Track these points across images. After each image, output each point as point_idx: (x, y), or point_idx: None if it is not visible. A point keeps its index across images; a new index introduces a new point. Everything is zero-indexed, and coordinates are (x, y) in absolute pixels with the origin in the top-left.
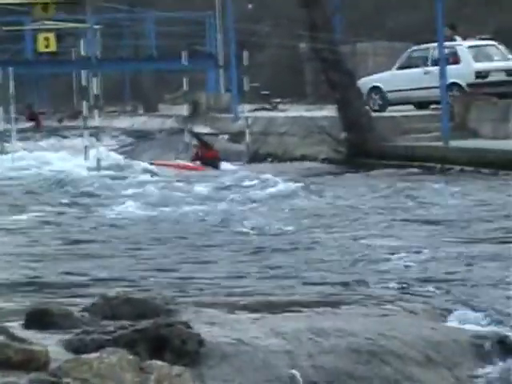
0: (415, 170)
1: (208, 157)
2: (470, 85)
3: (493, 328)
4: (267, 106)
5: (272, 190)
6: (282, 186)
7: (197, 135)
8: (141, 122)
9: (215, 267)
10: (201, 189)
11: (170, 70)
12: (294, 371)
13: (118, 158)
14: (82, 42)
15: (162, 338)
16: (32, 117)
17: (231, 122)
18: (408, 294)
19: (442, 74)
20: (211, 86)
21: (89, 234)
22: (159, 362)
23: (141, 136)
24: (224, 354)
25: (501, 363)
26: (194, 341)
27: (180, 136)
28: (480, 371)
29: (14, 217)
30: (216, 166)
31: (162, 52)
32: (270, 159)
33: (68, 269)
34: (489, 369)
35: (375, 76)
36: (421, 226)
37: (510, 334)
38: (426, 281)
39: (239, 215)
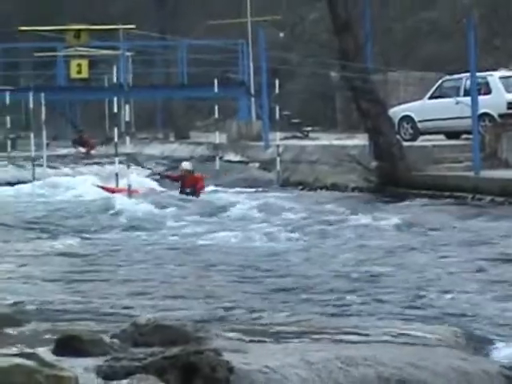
0: (447, 200)
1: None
2: (501, 115)
3: None
4: (298, 134)
5: None
6: None
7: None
8: (172, 149)
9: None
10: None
11: (201, 98)
12: None
13: (150, 185)
14: (114, 68)
15: (192, 366)
16: (83, 143)
17: (262, 149)
18: (439, 323)
19: (474, 104)
20: (243, 113)
21: (123, 261)
22: None
23: (172, 163)
24: (253, 382)
25: None
26: (223, 368)
27: (211, 164)
28: None
29: (45, 243)
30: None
31: (194, 80)
32: (300, 187)
33: (98, 294)
34: None
35: (406, 105)
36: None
37: None
38: (458, 311)
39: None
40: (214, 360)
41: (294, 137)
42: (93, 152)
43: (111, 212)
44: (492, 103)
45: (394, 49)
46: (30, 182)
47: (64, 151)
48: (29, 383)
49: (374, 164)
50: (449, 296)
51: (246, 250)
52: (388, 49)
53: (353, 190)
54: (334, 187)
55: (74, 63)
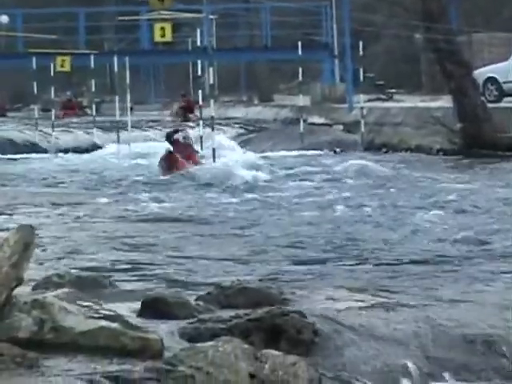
0: None
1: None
2: None
3: None
4: (382, 97)
5: None
6: None
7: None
8: (256, 112)
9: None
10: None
11: (284, 60)
12: (408, 362)
13: (234, 147)
14: (197, 32)
15: (276, 328)
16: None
17: (346, 112)
18: None
19: None
20: (326, 76)
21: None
22: (274, 352)
23: (256, 126)
24: (338, 344)
25: None
26: (309, 330)
27: (295, 126)
28: None
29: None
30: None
31: (277, 42)
32: (384, 149)
33: (184, 256)
34: None
35: (491, 67)
36: None
37: None
38: None
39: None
40: (299, 322)
41: (378, 99)
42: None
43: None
44: None
45: (479, 10)
46: (115, 145)
47: (149, 115)
48: (114, 345)
49: (458, 126)
50: None
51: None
52: (473, 10)
53: (437, 152)
54: (418, 149)
55: (157, 26)
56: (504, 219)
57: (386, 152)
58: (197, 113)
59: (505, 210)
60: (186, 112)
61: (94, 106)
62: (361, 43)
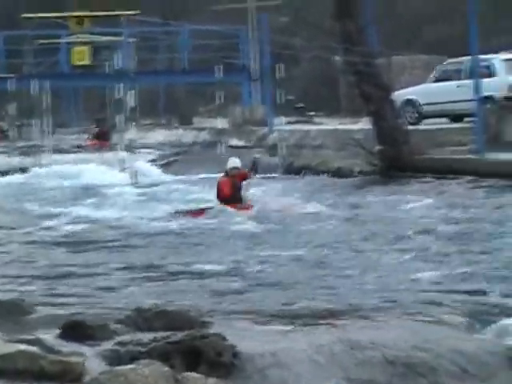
0: (451, 181)
1: None
2: (505, 98)
3: None
4: (302, 119)
5: None
6: None
7: None
8: (175, 135)
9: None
10: None
11: (204, 83)
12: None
13: (156, 172)
14: (116, 55)
15: (196, 350)
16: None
17: (266, 134)
18: (442, 304)
19: (477, 88)
20: (245, 98)
21: (123, 247)
22: (194, 374)
23: (175, 149)
24: (258, 366)
25: None
26: (228, 352)
27: (214, 149)
28: None
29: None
30: None
31: (197, 65)
32: (304, 172)
33: (103, 280)
34: None
35: (410, 89)
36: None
37: None
38: (461, 292)
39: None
40: (219, 344)
41: (298, 121)
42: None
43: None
44: (495, 86)
45: (399, 32)
46: (35, 169)
47: (71, 138)
48: (33, 369)
49: (377, 148)
50: (454, 273)
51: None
52: (393, 33)
53: (358, 174)
54: (338, 172)
55: (75, 50)
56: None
57: (305, 175)
58: (114, 137)
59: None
60: (101, 136)
61: (14, 130)
62: (281, 66)
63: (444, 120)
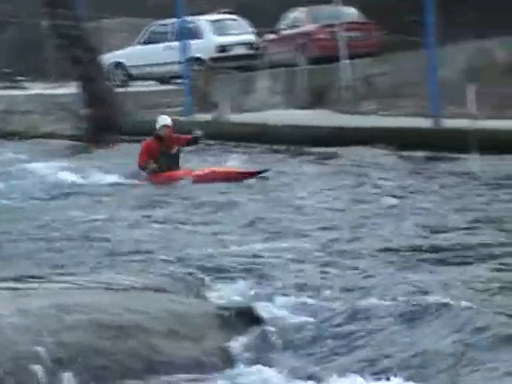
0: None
1: None
2: (212, 59)
3: (238, 300)
4: (9, 85)
5: None
6: None
7: None
8: None
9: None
10: None
11: None
12: (38, 348)
13: None
14: None
15: None
16: None
17: None
18: (150, 270)
19: (183, 49)
20: None
21: None
22: None
23: None
24: None
25: (246, 333)
26: None
27: None
28: (226, 342)
29: None
30: None
31: None
32: (16, 137)
33: None
34: (234, 339)
35: (118, 52)
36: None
37: (253, 304)
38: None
39: None
40: None
41: (6, 87)
42: None
43: None
44: (202, 47)
45: None
46: None
47: None
48: None
49: (85, 111)
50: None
51: None
52: None
53: (69, 138)
54: (47, 136)
55: None
56: None
57: (20, 140)
58: None
59: None
60: None
61: None
62: None
63: (153, 82)
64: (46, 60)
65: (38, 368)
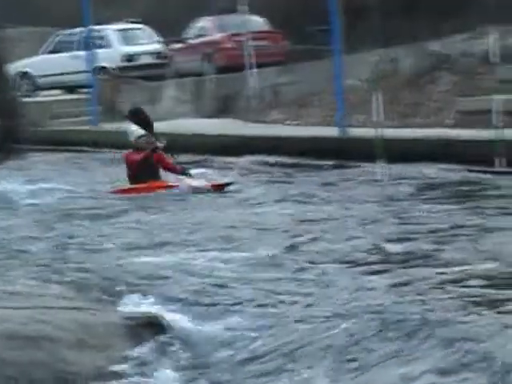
0: (69, 154)
1: None
2: (119, 68)
3: (147, 310)
4: None
5: None
6: None
7: None
8: None
9: None
10: None
11: None
12: None
13: None
14: None
15: None
16: None
17: None
18: (59, 280)
19: (90, 58)
20: None
21: None
22: None
23: None
24: None
25: (151, 342)
26: None
27: None
28: (132, 351)
29: None
30: None
31: None
32: None
33: None
34: (140, 348)
35: (24, 61)
36: None
37: (160, 314)
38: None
39: None
40: None
41: None
42: None
43: None
44: (109, 56)
45: (7, 5)
46: None
47: None
48: None
49: None
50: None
51: None
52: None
53: None
54: None
55: None
56: None
57: None
58: None
59: None
60: None
61: None
62: None
63: (59, 91)
64: None
65: None
